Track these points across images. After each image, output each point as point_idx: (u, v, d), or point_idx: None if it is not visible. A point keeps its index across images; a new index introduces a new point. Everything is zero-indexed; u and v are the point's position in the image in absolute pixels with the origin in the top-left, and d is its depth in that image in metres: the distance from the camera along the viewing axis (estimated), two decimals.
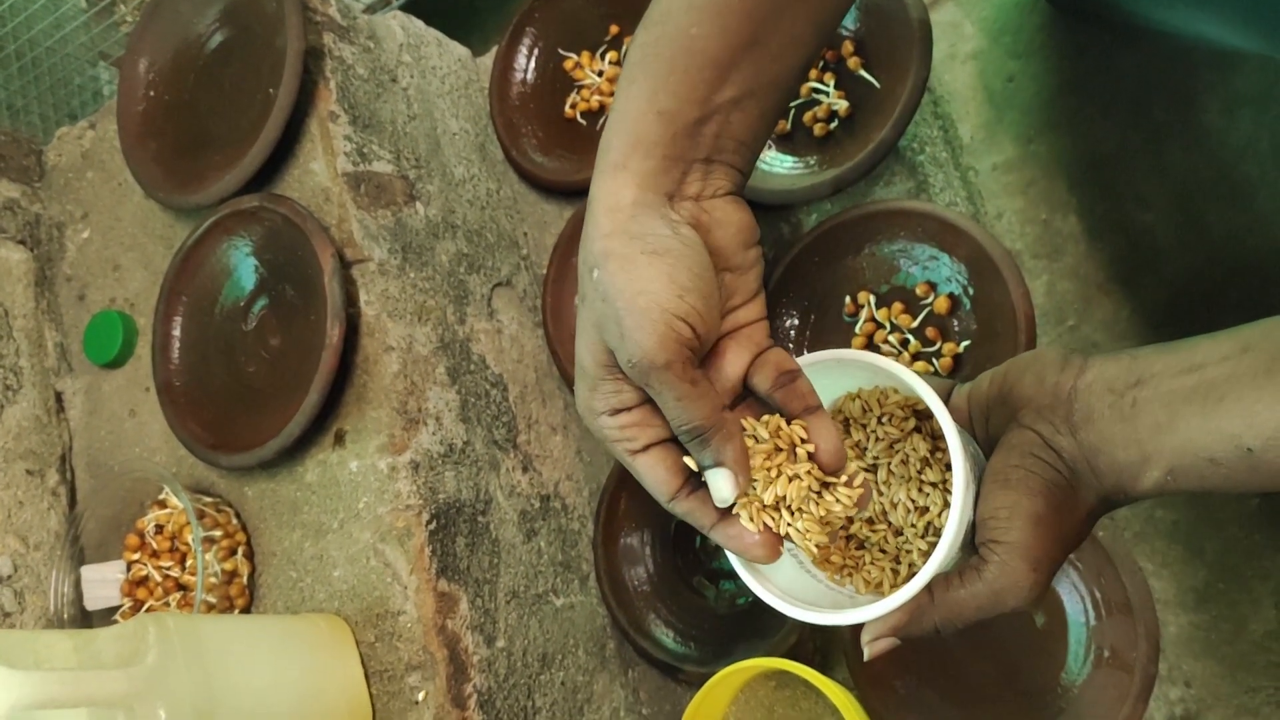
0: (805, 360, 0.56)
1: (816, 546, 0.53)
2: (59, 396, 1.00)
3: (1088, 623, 0.77)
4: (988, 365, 0.80)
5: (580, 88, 1.05)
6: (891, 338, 0.85)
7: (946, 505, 0.57)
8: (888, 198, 0.91)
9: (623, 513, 0.94)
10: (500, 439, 0.90)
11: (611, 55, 1.04)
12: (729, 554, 0.56)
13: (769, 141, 0.95)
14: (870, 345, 0.87)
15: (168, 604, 0.87)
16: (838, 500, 0.53)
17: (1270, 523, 0.83)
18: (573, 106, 1.05)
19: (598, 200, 0.51)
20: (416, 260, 0.89)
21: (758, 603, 0.88)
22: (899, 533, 0.59)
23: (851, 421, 0.61)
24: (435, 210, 0.94)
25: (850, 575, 0.60)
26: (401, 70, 0.98)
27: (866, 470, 0.59)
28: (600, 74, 1.04)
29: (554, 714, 0.84)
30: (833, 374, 0.59)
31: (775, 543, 0.53)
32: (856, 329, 0.87)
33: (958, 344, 0.83)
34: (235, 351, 0.89)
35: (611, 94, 1.03)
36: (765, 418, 0.53)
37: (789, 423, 0.53)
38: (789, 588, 0.57)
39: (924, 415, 0.59)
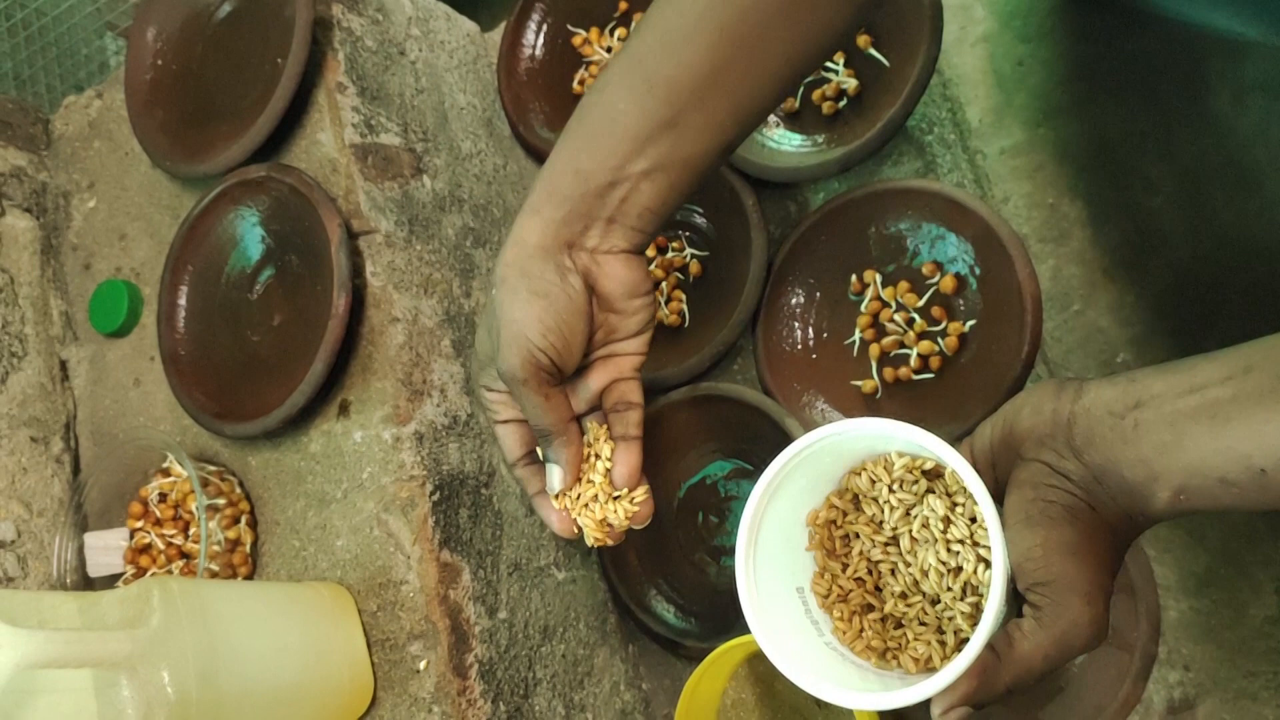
0: (806, 440, 0.57)
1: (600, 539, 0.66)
2: (64, 365, 1.00)
3: None
4: (994, 345, 0.81)
5: (589, 64, 1.05)
6: (897, 317, 0.85)
7: (980, 560, 0.55)
8: (895, 177, 0.91)
9: None
10: None
11: (620, 32, 1.04)
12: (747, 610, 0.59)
13: (776, 120, 0.94)
14: (875, 324, 0.87)
15: (170, 571, 0.87)
16: (617, 510, 0.67)
17: (1271, 511, 0.83)
18: (581, 83, 1.05)
19: (511, 232, 0.62)
20: (423, 233, 0.89)
21: None
22: (935, 601, 0.58)
23: (861, 497, 0.60)
24: (442, 184, 0.94)
25: (895, 657, 0.58)
26: (410, 43, 0.97)
27: (886, 544, 0.59)
28: (609, 50, 1.04)
29: (554, 685, 0.84)
30: (832, 454, 0.59)
31: (570, 523, 0.68)
32: (862, 308, 0.87)
33: (963, 323, 0.83)
34: (241, 321, 0.89)
35: None
36: (598, 426, 0.68)
37: (608, 439, 0.67)
38: (841, 681, 0.55)
39: (934, 474, 0.58)
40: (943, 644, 0.57)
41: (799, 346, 0.90)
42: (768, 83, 0.61)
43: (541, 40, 1.07)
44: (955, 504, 0.57)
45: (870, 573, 0.60)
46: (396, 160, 0.90)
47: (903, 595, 0.58)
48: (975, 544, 0.56)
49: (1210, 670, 0.83)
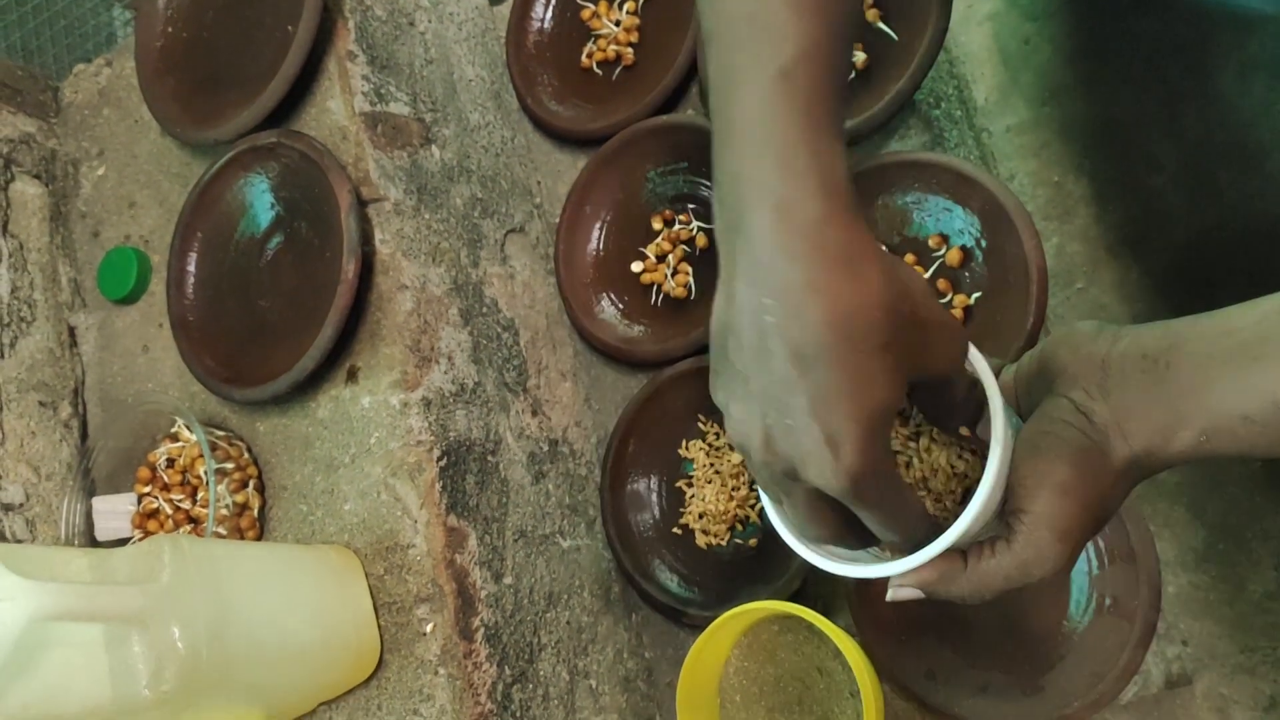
0: None
1: None
2: (72, 331, 1.00)
3: (1090, 571, 0.78)
4: (999, 317, 0.81)
5: (597, 37, 1.05)
6: None
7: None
8: (903, 150, 0.91)
9: (630, 459, 0.95)
10: (511, 382, 0.91)
11: (629, 5, 1.04)
12: (766, 504, 0.57)
13: None
14: None
15: None
16: None
17: (1271, 484, 0.84)
18: (589, 56, 1.05)
19: (868, 245, 0.46)
20: (431, 202, 0.90)
21: (762, 548, 0.89)
22: (939, 499, 0.58)
23: None
24: (450, 154, 0.94)
25: None
26: (419, 14, 0.98)
27: (910, 438, 0.59)
28: (617, 23, 1.04)
29: (558, 651, 0.85)
30: None
31: None
32: None
33: (969, 296, 0.83)
34: (250, 287, 0.90)
35: (629, 44, 1.03)
36: None
37: None
38: (832, 554, 0.57)
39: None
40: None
41: None
42: None
43: (550, 14, 1.07)
44: (980, 419, 0.57)
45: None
46: (406, 129, 0.90)
47: (910, 486, 0.59)
48: (986, 458, 0.55)
49: (1208, 645, 0.83)
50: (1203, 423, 0.49)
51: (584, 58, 1.06)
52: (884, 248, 0.87)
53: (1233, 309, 0.51)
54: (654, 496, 0.95)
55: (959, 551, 0.53)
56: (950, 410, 0.55)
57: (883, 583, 0.59)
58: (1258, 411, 0.48)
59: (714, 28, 0.50)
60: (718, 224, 0.49)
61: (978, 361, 0.54)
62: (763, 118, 0.46)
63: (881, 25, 0.90)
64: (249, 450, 0.88)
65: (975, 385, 0.56)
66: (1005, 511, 0.53)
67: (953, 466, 0.57)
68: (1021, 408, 0.58)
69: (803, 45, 0.47)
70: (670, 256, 0.97)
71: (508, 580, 0.82)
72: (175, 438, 0.90)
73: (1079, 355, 0.54)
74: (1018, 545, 0.51)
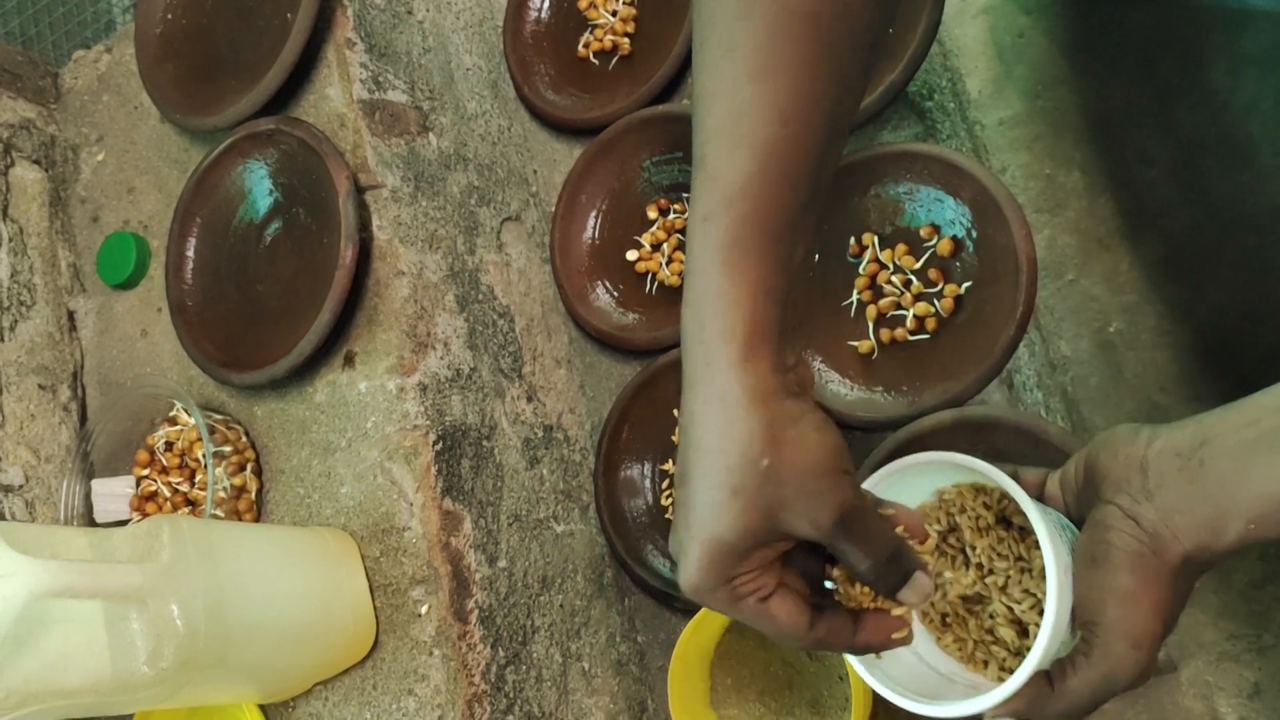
0: (899, 465, 0.60)
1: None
2: (71, 315, 1.01)
3: None
4: (989, 307, 0.82)
5: (594, 27, 1.06)
6: (894, 279, 0.87)
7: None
8: (895, 140, 0.92)
9: (624, 445, 0.96)
10: (506, 368, 0.92)
11: None
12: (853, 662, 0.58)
13: None
14: (873, 285, 0.88)
15: None
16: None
17: None
18: (586, 46, 1.06)
19: (745, 392, 0.47)
20: (429, 190, 0.91)
21: None
22: (1015, 622, 0.60)
23: (952, 514, 0.62)
24: (448, 142, 0.95)
25: (983, 664, 0.61)
26: (417, 3, 0.98)
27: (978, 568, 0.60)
28: (614, 14, 1.04)
29: (552, 634, 0.86)
30: (913, 476, 0.61)
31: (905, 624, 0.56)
32: (860, 270, 0.89)
33: (959, 285, 0.84)
34: (248, 273, 0.91)
35: (625, 34, 1.04)
36: None
37: None
38: (907, 681, 0.58)
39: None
40: (1020, 656, 0.58)
41: None
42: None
43: (548, 3, 1.08)
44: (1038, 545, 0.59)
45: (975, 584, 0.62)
46: (403, 117, 0.91)
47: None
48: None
49: (1194, 632, 0.84)
50: (1248, 513, 0.50)
51: (581, 48, 1.06)
52: (876, 238, 0.88)
53: (1255, 397, 0.52)
54: (647, 482, 0.96)
55: (1043, 674, 0.55)
56: (862, 578, 0.53)
57: None
58: None
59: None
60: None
61: (1014, 491, 0.55)
62: (690, 262, 0.48)
63: None
64: (247, 434, 0.88)
65: (895, 558, 0.53)
66: (1078, 625, 0.55)
67: (1025, 590, 0.58)
68: (1071, 514, 0.60)
69: (728, 185, 0.47)
70: (665, 245, 0.98)
71: (502, 564, 0.83)
72: (174, 421, 0.91)
73: (1118, 460, 0.55)
74: (1096, 657, 0.53)
